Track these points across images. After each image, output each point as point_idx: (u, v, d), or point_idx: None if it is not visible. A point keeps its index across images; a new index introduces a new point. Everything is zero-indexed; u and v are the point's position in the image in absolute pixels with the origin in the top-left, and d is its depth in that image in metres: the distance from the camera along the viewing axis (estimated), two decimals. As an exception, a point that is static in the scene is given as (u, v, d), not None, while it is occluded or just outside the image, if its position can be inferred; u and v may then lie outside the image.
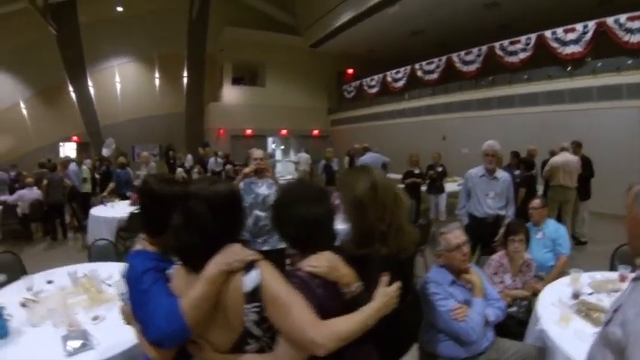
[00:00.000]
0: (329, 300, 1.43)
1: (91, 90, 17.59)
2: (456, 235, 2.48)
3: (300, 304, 1.32)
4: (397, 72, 16.05)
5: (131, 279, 1.52)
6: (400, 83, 15.98)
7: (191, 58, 17.21)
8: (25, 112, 18.56)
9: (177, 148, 15.44)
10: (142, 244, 1.65)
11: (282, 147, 20.99)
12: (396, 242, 1.72)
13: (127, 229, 6.11)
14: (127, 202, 7.26)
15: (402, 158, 9.40)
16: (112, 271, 3.45)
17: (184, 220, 1.38)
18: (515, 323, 2.95)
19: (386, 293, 1.51)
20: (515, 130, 10.81)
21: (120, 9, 17.06)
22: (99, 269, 3.44)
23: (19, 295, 2.99)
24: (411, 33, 15.99)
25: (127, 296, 1.67)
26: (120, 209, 6.78)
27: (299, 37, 19.09)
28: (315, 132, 19.85)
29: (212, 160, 12.64)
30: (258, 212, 3.83)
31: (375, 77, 17.32)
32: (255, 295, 1.32)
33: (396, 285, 1.54)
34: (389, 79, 16.48)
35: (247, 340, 1.36)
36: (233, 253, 1.35)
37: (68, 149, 18.27)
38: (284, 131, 19.34)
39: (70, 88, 17.37)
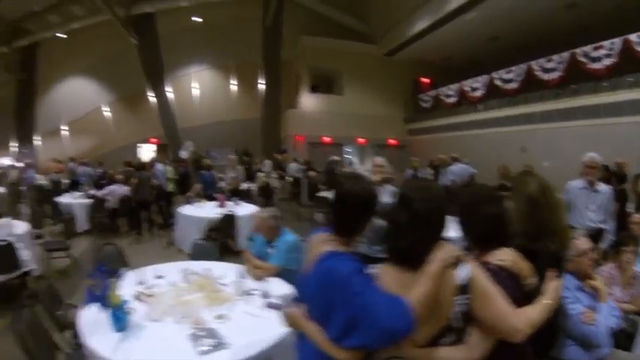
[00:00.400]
0: (514, 291, 1.52)
1: (170, 95, 18.60)
2: (583, 242, 2.58)
3: (501, 294, 1.42)
4: (475, 81, 15.47)
5: (337, 281, 1.45)
6: (478, 93, 15.36)
7: (267, 66, 17.63)
8: (107, 114, 19.97)
9: (252, 154, 15.65)
10: (330, 244, 1.59)
11: (358, 156, 20.44)
12: (561, 239, 1.91)
13: (219, 229, 6.34)
14: (214, 203, 7.46)
15: (481, 170, 9.14)
16: (224, 271, 3.51)
17: (410, 218, 1.45)
18: (624, 335, 2.94)
19: (556, 288, 1.65)
20: (600, 143, 9.97)
21: (196, 19, 17.87)
22: (212, 268, 3.49)
23: (129, 288, 3.05)
24: (488, 39, 15.51)
25: (284, 299, 1.78)
26: (208, 210, 6.99)
27: (374, 45, 18.95)
28: (392, 141, 19.48)
29: (294, 165, 12.84)
30: (378, 221, 3.80)
31: (452, 86, 16.78)
32: (465, 288, 1.40)
33: (561, 280, 1.70)
34: (466, 88, 15.88)
35: (445, 333, 1.43)
36: (448, 250, 1.43)
37: (146, 150, 19.22)
38: (361, 139, 19.12)
39: (150, 94, 18.47)
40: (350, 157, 19.69)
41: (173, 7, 17.20)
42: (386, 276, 1.50)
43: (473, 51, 16.87)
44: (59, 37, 18.60)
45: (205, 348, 2.24)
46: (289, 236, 3.71)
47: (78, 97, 19.93)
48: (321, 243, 1.62)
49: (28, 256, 4.95)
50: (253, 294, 3.03)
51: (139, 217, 8.46)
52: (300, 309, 1.66)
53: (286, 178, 12.87)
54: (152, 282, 3.26)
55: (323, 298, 1.51)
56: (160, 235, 8.28)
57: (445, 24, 14.64)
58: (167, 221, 8.14)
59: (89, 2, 15.89)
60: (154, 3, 16.98)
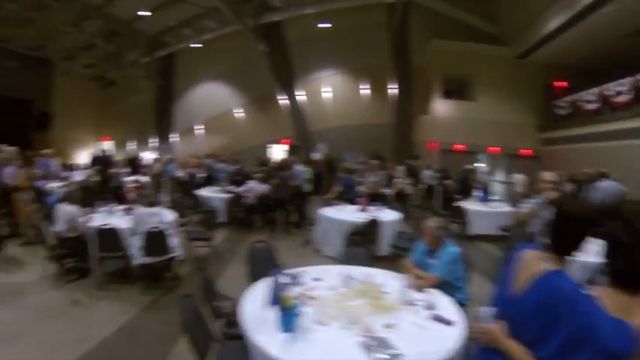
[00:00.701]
0: None
1: (302, 98, 19.31)
2: None
3: None
4: (619, 84, 13.23)
5: (564, 299, 1.47)
6: (623, 97, 13.09)
7: (397, 71, 17.50)
8: (239, 116, 21.42)
9: (385, 158, 14.90)
10: (548, 263, 1.62)
11: (489, 165, 18.55)
12: None
13: (362, 234, 6.15)
14: (355, 206, 7.37)
15: (628, 188, 8.02)
16: (385, 278, 3.48)
17: (632, 241, 1.46)
18: None
19: None
20: None
21: (324, 25, 18.14)
22: (372, 275, 3.51)
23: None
24: (627, 35, 13.47)
25: (484, 314, 1.74)
26: (349, 213, 6.93)
27: (504, 47, 17.72)
28: (525, 151, 17.86)
29: (428, 172, 12.63)
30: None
31: (592, 91, 14.74)
32: None
33: None
34: (609, 92, 13.71)
35: None
36: None
37: (276, 150, 19.86)
38: (494, 148, 17.84)
39: (280, 97, 19.41)
40: (484, 165, 18.15)
41: (300, 14, 17.68)
42: (607, 298, 1.49)
43: (609, 49, 14.72)
44: (194, 46, 20.44)
45: (382, 357, 2.21)
46: (453, 248, 3.63)
47: (211, 100, 21.79)
48: (538, 261, 1.65)
49: (175, 242, 5.35)
50: (417, 304, 2.96)
51: (275, 214, 8.69)
52: (500, 326, 1.67)
53: (419, 184, 12.60)
54: (311, 284, 3.28)
55: (542, 316, 1.51)
56: (295, 233, 8.41)
57: (580, 20, 13.10)
58: (303, 221, 8.24)
59: (220, 15, 17.12)
60: (281, 12, 17.65)
